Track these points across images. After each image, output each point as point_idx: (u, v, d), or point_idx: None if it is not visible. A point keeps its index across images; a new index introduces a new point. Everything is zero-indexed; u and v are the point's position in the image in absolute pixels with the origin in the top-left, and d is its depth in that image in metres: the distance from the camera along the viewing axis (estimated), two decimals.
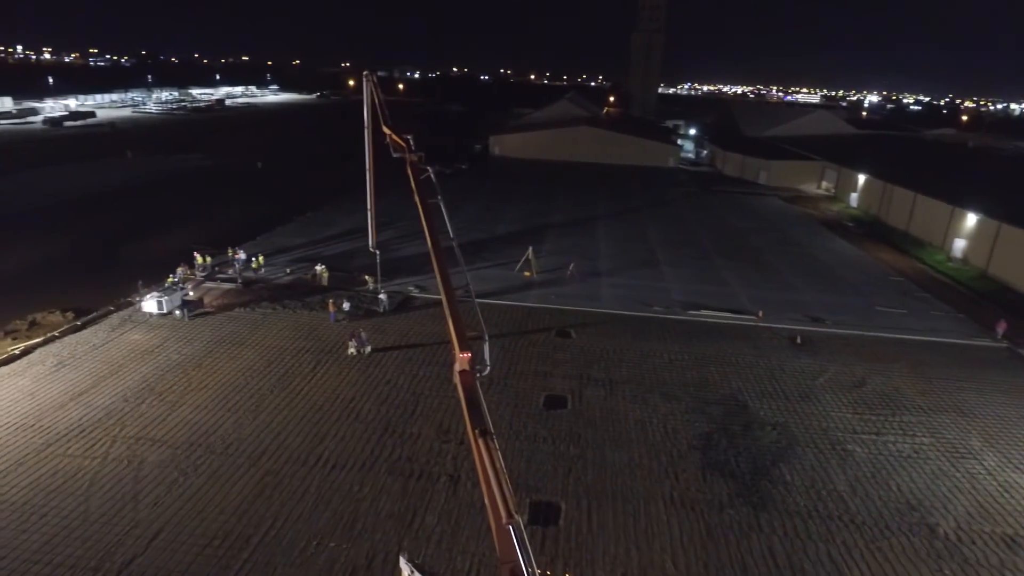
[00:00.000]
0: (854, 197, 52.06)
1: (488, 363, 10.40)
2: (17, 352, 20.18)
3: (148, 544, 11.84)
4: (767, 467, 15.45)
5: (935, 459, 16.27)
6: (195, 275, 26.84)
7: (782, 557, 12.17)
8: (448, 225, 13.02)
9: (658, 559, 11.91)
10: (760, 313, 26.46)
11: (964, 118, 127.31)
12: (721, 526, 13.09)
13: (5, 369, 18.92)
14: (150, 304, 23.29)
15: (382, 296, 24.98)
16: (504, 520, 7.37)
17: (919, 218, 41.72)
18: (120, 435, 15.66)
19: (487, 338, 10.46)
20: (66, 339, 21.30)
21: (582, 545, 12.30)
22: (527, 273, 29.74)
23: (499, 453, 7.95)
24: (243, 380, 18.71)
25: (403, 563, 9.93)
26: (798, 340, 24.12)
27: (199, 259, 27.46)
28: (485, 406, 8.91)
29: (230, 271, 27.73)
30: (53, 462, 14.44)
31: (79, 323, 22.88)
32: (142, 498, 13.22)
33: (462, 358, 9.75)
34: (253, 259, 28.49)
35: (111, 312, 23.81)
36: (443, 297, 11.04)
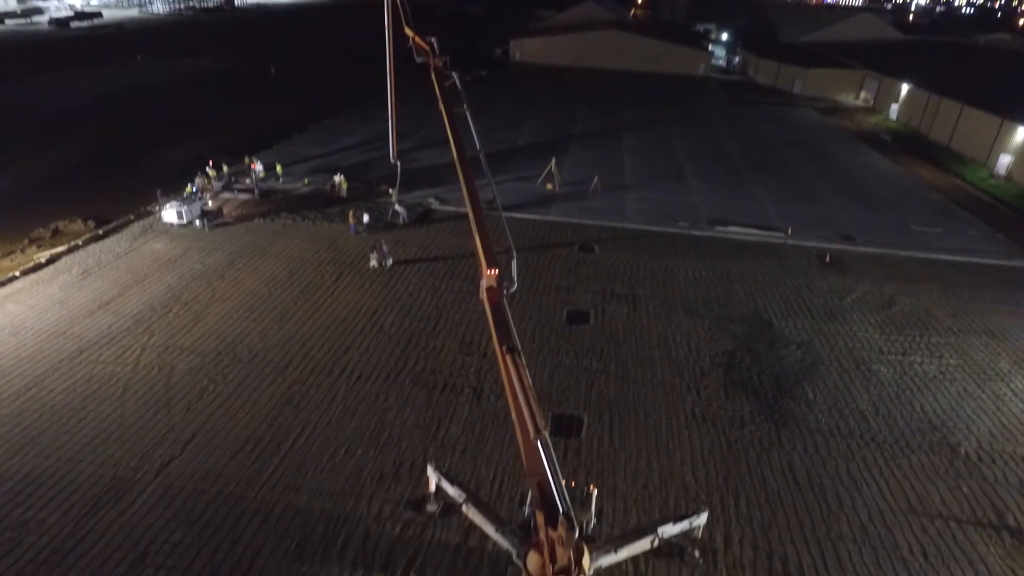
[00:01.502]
0: (894, 109, 49.46)
1: (516, 279, 10.25)
2: (43, 260, 20.46)
3: (184, 447, 12.36)
4: (790, 385, 15.51)
5: (961, 380, 16.20)
6: (212, 185, 26.64)
7: (801, 472, 12.40)
8: (474, 135, 12.50)
9: (678, 472, 12.20)
10: (789, 230, 25.84)
11: (1022, 22, 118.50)
12: (742, 441, 13.31)
13: (32, 277, 19.27)
14: (170, 214, 23.28)
15: (400, 208, 24.69)
16: (532, 436, 7.46)
17: (963, 132, 39.68)
18: (149, 343, 16.05)
19: (515, 254, 10.23)
20: (89, 248, 21.52)
21: (604, 457, 12.62)
22: (549, 186, 29.10)
23: (527, 370, 7.93)
24: (266, 291, 18.90)
25: (430, 471, 10.25)
26: (827, 259, 23.64)
27: (211, 172, 27.11)
28: (512, 323, 8.83)
29: (247, 181, 27.48)
30: (87, 368, 14.91)
31: (101, 232, 23.03)
32: (175, 404, 13.69)
33: (489, 275, 9.59)
34: (273, 168, 28.13)
35: (131, 221, 23.89)
36: (470, 211, 10.75)
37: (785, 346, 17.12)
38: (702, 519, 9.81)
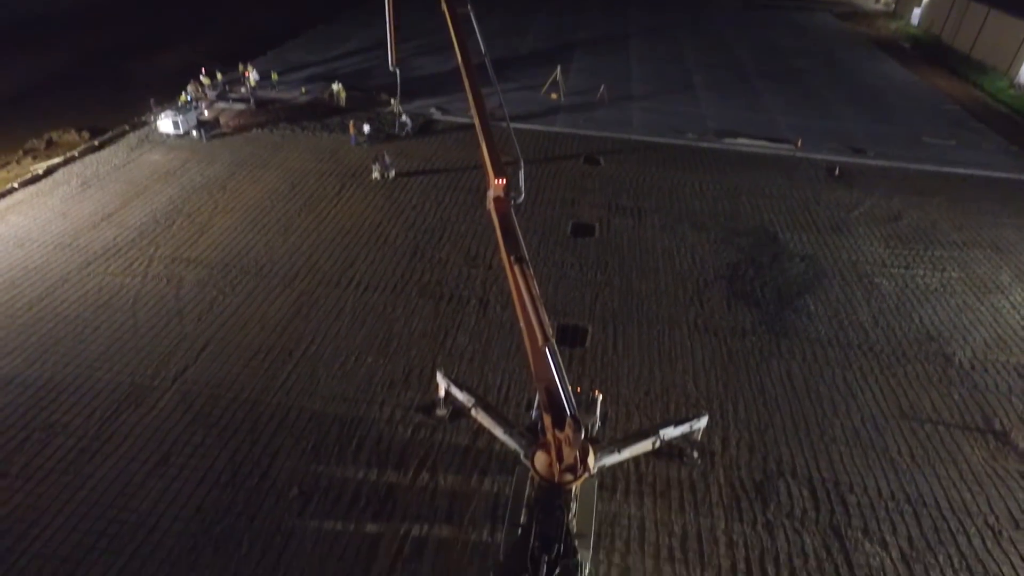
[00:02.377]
0: (916, 13, 46.96)
1: (523, 190, 10.11)
2: (40, 172, 20.14)
3: (197, 356, 12.67)
4: (792, 298, 15.69)
5: (962, 293, 16.36)
6: (206, 94, 25.79)
7: (799, 380, 12.77)
8: (480, 40, 11.95)
9: (680, 380, 12.56)
10: (799, 142, 25.26)
11: None
12: (742, 351, 13.62)
13: (32, 189, 19.05)
14: (166, 124, 22.68)
15: (405, 119, 24.03)
16: (540, 343, 7.62)
17: (986, 39, 37.89)
18: (156, 255, 16.10)
19: (522, 164, 10.05)
20: (86, 159, 21.12)
21: (608, 365, 12.95)
22: (554, 96, 28.18)
23: (534, 279, 7.98)
24: (269, 203, 18.75)
25: (440, 377, 10.55)
26: (836, 171, 23.24)
27: (205, 80, 26.13)
28: (519, 233, 8.80)
29: (242, 90, 26.59)
30: (96, 279, 15.04)
31: (96, 143, 22.50)
32: (186, 314, 13.91)
33: (497, 184, 9.46)
34: (268, 76, 27.15)
35: (126, 132, 23.30)
36: (476, 120, 10.46)
37: (789, 259, 17.17)
38: (702, 423, 10.19)
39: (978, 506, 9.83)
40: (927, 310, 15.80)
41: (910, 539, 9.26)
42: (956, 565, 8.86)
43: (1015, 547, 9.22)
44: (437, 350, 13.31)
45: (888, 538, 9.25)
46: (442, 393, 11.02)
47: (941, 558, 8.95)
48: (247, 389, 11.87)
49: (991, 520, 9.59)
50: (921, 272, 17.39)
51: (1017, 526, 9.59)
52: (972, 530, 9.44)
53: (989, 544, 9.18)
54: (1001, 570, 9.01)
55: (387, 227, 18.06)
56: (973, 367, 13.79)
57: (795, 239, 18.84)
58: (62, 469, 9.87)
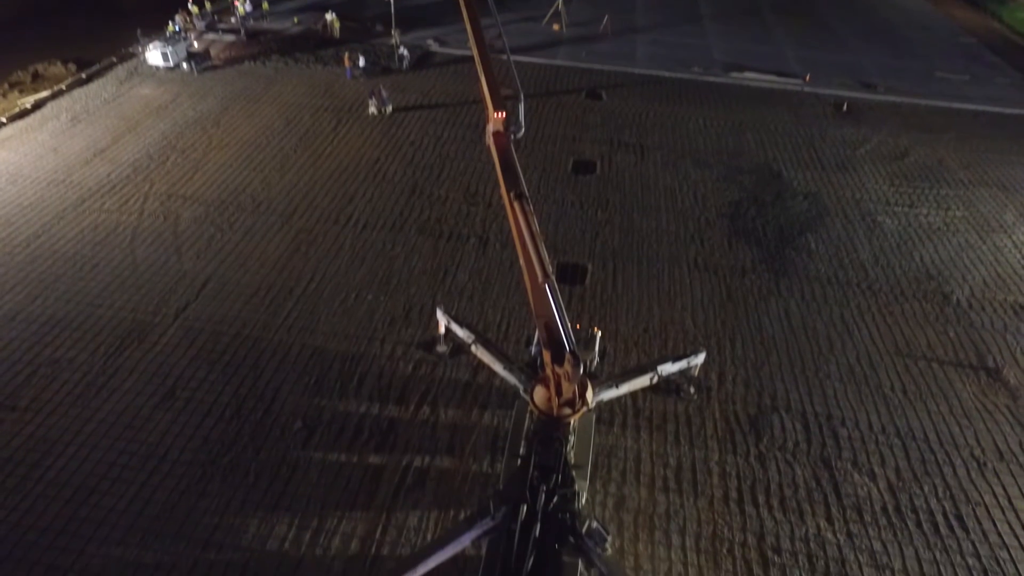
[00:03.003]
0: None
1: (523, 124, 9.87)
2: (28, 106, 19.66)
3: (198, 293, 12.71)
4: (793, 236, 15.61)
5: (964, 232, 16.27)
6: (195, 24, 24.85)
7: (797, 318, 12.86)
8: None
9: (679, 317, 12.65)
10: (807, 76, 24.57)
11: None
12: (741, 289, 13.66)
13: (20, 124, 18.64)
14: (155, 56, 21.98)
15: (403, 51, 23.25)
16: (540, 280, 7.61)
17: None
18: (151, 192, 15.91)
19: (522, 97, 9.77)
20: (74, 93, 20.59)
21: (607, 303, 13.02)
22: (556, 27, 27.23)
23: (534, 216, 7.90)
24: (264, 139, 18.38)
25: (440, 314, 10.62)
26: (844, 107, 22.68)
27: (194, 9, 25.11)
28: (519, 169, 8.65)
29: (231, 20, 25.61)
30: (92, 216, 14.91)
31: (84, 76, 21.89)
32: (184, 251, 13.87)
33: (496, 118, 9.24)
34: (259, 6, 26.10)
35: (114, 64, 22.63)
36: (475, 52, 10.11)
37: (792, 197, 16.99)
38: (699, 359, 10.33)
39: (965, 439, 10.09)
40: (928, 249, 15.75)
41: (897, 470, 9.54)
42: (940, 495, 9.16)
43: (998, 477, 9.52)
44: (437, 287, 13.34)
45: (877, 469, 9.54)
46: (442, 330, 11.12)
47: (926, 488, 9.25)
48: (249, 326, 11.97)
49: (977, 452, 9.87)
50: (925, 211, 17.24)
51: (1001, 458, 9.88)
52: (958, 461, 9.73)
53: (973, 475, 9.48)
54: (983, 499, 9.33)
55: (385, 164, 17.77)
56: (970, 305, 13.87)
57: (799, 177, 18.58)
58: (70, 403, 10.07)
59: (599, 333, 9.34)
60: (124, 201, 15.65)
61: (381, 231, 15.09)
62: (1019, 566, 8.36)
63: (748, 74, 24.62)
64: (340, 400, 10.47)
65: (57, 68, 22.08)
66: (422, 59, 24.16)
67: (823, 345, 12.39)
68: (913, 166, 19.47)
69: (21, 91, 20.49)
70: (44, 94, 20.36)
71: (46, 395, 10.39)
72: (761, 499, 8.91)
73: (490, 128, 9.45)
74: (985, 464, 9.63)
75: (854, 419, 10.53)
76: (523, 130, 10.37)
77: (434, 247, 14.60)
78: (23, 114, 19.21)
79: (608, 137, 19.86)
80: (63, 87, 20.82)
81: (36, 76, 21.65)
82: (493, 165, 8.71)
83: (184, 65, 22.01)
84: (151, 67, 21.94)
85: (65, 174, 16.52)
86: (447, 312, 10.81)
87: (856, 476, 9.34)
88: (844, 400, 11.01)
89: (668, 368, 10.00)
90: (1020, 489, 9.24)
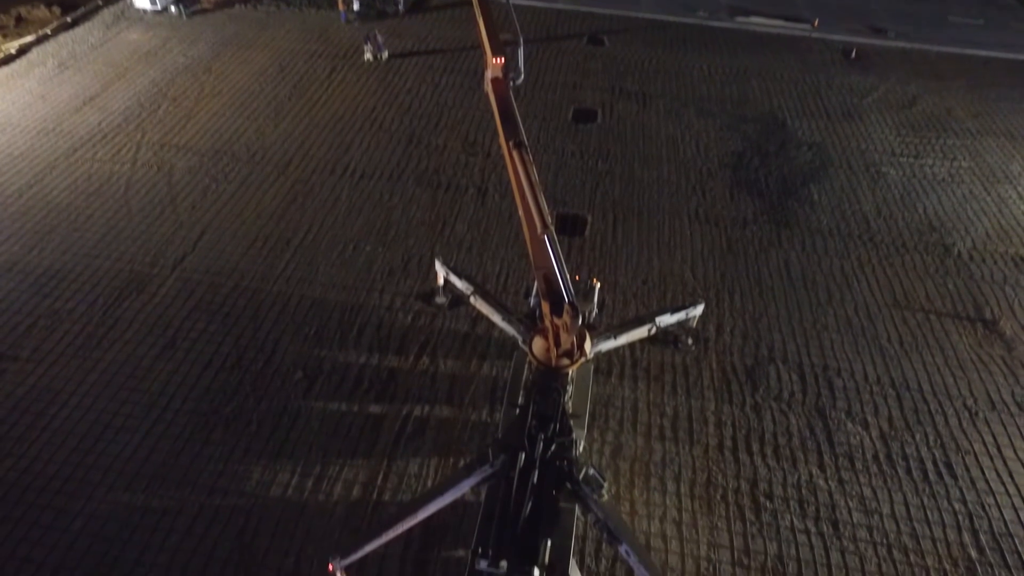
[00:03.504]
0: None
1: (522, 71, 9.59)
2: (13, 52, 19.11)
3: (195, 244, 12.64)
4: (796, 187, 15.44)
5: (969, 183, 16.09)
6: None
7: (796, 270, 12.84)
8: None
9: (678, 269, 12.63)
10: (816, 22, 23.82)
11: None
12: (742, 241, 13.59)
13: (6, 70, 18.16)
14: None
15: None
16: (539, 231, 7.52)
17: None
18: (143, 141, 15.64)
19: (521, 42, 9.46)
20: (60, 38, 19.98)
21: (607, 254, 12.97)
22: None
23: (533, 166, 7.77)
24: (257, 86, 17.96)
25: (438, 265, 10.58)
26: (853, 54, 22.06)
27: None
28: (519, 117, 8.45)
29: None
30: (84, 166, 14.69)
31: (69, 20, 21.19)
32: (179, 202, 13.73)
33: (495, 64, 8.96)
34: None
35: (100, 7, 21.88)
36: None
37: (796, 147, 16.73)
38: (698, 310, 10.35)
39: (959, 389, 10.21)
40: (932, 200, 15.61)
41: (890, 419, 9.69)
42: (931, 443, 9.33)
43: (989, 426, 9.68)
44: (435, 239, 13.27)
45: (870, 419, 9.68)
46: (441, 281, 11.10)
47: (918, 437, 9.41)
48: (247, 277, 11.96)
49: (969, 402, 10.00)
50: (930, 161, 17.01)
51: (993, 407, 10.02)
52: (950, 411, 9.87)
53: (965, 424, 9.63)
54: (973, 447, 9.51)
55: (381, 112, 17.42)
56: (971, 257, 13.83)
57: (804, 126, 18.25)
58: (71, 353, 10.14)
59: (598, 284, 9.30)
60: (116, 151, 15.40)
61: (378, 181, 14.91)
62: (1004, 511, 8.61)
63: (755, 19, 23.87)
64: (340, 350, 10.54)
65: (41, 11, 21.40)
66: (418, 2, 23.38)
67: (822, 297, 12.42)
68: (920, 115, 19.11)
69: (5, 35, 19.91)
70: (29, 39, 19.78)
71: (47, 345, 10.45)
72: (755, 447, 9.08)
73: (488, 75, 9.19)
74: (977, 413, 9.78)
75: (850, 370, 10.63)
76: (522, 77, 10.10)
77: (432, 197, 14.45)
78: (8, 60, 18.71)
79: (610, 84, 19.42)
80: (48, 32, 20.21)
81: (19, 20, 20.99)
82: (492, 113, 8.51)
83: (172, 8, 21.28)
84: (138, 10, 21.26)
85: (55, 123, 16.21)
86: (446, 263, 10.77)
87: (849, 425, 9.49)
88: (841, 351, 11.10)
89: (667, 319, 10.02)
90: (1009, 438, 9.41)
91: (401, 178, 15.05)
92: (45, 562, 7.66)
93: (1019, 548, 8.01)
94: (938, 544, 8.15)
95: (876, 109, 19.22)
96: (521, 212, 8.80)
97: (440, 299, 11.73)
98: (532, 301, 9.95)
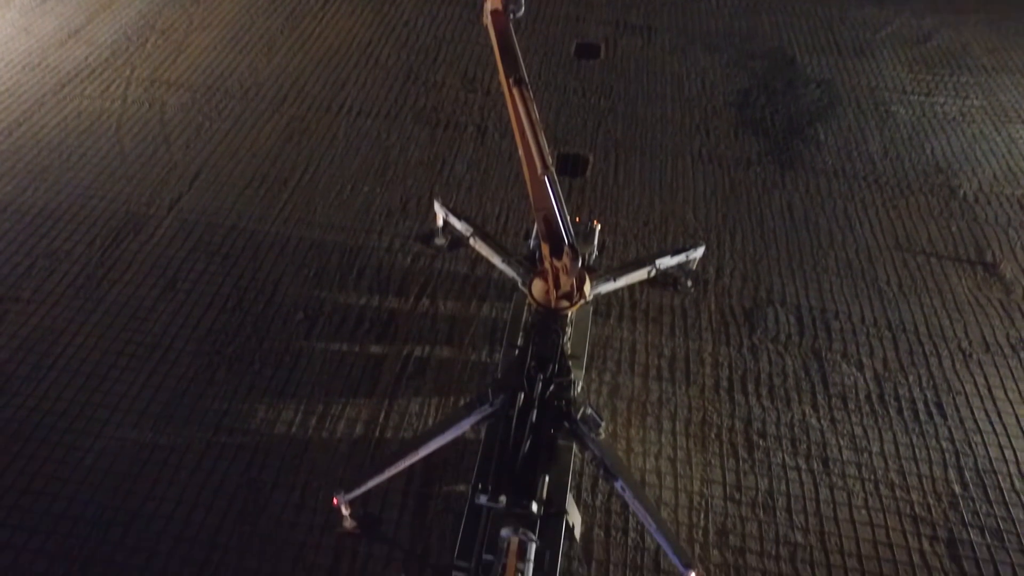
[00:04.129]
0: None
1: (523, 2, 9.22)
2: None
3: (190, 184, 12.43)
4: (802, 126, 15.06)
5: (980, 122, 15.66)
6: None
7: (799, 212, 12.71)
8: None
9: (680, 210, 12.50)
10: None
11: None
12: (745, 182, 13.38)
13: None
14: None
15: None
16: (539, 171, 7.34)
17: None
18: (133, 77, 15.12)
19: None
20: None
21: (608, 195, 12.80)
22: None
23: (534, 104, 7.58)
24: (248, 19, 17.22)
25: (437, 206, 10.48)
26: None
27: None
28: (519, 52, 8.20)
29: None
30: (73, 103, 14.27)
31: None
32: (173, 141, 13.41)
33: None
34: None
35: None
36: None
37: (804, 85, 16.22)
38: (698, 252, 10.31)
39: (954, 331, 10.32)
40: (941, 140, 15.24)
41: (885, 361, 9.85)
42: (924, 384, 9.53)
43: (981, 368, 9.85)
44: (434, 179, 13.05)
45: (865, 360, 9.84)
46: (440, 222, 10.98)
47: (911, 378, 9.60)
48: (244, 218, 11.82)
49: (964, 344, 10.13)
50: (942, 100, 16.50)
51: (987, 349, 10.17)
52: (944, 353, 10.01)
53: (958, 366, 9.80)
54: (964, 388, 9.75)
55: (377, 46, 16.77)
56: (977, 199, 13.64)
57: (813, 62, 17.60)
58: (72, 294, 10.16)
59: (599, 226, 9.20)
60: (105, 87, 14.91)
61: (375, 119, 14.51)
62: (989, 449, 8.90)
63: None
64: (340, 292, 10.54)
65: None
66: None
67: (823, 239, 12.32)
68: (935, 51, 18.40)
69: None
70: None
71: (47, 286, 10.45)
72: (751, 388, 9.27)
73: (487, 7, 8.81)
74: (970, 355, 9.91)
75: (847, 312, 10.69)
76: (523, 9, 9.69)
77: (431, 136, 14.11)
78: None
79: (614, 18, 18.61)
80: None
81: None
82: (491, 48, 8.25)
83: None
84: None
85: (40, 57, 15.62)
86: (445, 204, 10.62)
87: (844, 366, 9.64)
88: (839, 294, 11.11)
89: (667, 261, 9.97)
90: (1001, 379, 9.59)
91: (399, 116, 14.65)
92: (60, 494, 8.01)
93: (1001, 483, 8.35)
94: (924, 480, 8.49)
95: (889, 44, 18.50)
96: (521, 152, 8.61)
97: (439, 240, 11.62)
98: (532, 243, 9.87)
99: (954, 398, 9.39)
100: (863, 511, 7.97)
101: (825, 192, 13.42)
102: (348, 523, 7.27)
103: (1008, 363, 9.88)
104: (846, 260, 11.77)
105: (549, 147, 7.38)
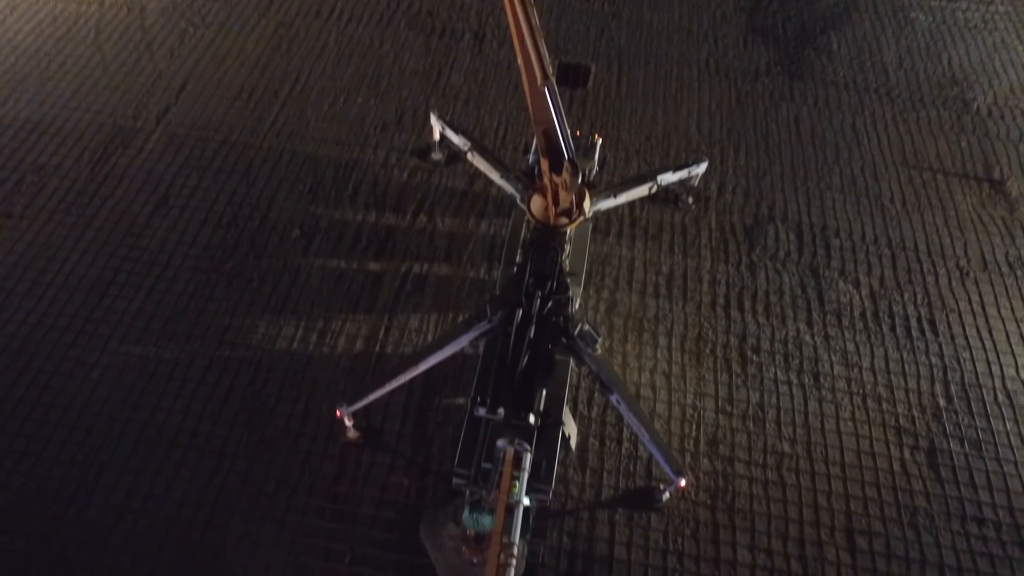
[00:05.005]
0: None
1: None
2: None
3: (177, 95, 12.04)
4: (815, 34, 14.42)
5: (1003, 30, 15.00)
6: None
7: (806, 126, 12.40)
8: None
9: (684, 124, 12.19)
10: None
11: None
12: (752, 94, 12.97)
13: None
14: None
15: None
16: (539, 82, 7.10)
17: None
18: None
19: None
20: None
21: (610, 108, 12.44)
22: None
23: (534, 9, 7.20)
24: None
25: (434, 120, 10.20)
26: None
27: None
28: None
29: None
30: (47, 7, 13.55)
31: None
32: (156, 49, 12.86)
33: None
34: None
35: None
36: None
37: None
38: (701, 168, 10.15)
39: (954, 250, 10.34)
40: (959, 50, 14.66)
41: (882, 279, 9.92)
42: (919, 302, 9.63)
43: (977, 286, 9.95)
44: (430, 90, 12.64)
45: (862, 278, 9.91)
46: (437, 136, 10.75)
47: (906, 296, 9.69)
48: (235, 131, 11.54)
49: (962, 263, 10.17)
50: (964, 5, 15.72)
51: (985, 267, 10.21)
52: (942, 271, 10.07)
53: (954, 284, 9.88)
54: (958, 306, 9.85)
55: None
56: (990, 113, 13.29)
57: None
58: (64, 210, 10.07)
59: (600, 141, 9.03)
60: None
61: (367, 25, 13.86)
62: (977, 364, 9.12)
63: None
64: (336, 208, 10.46)
65: None
66: None
67: (829, 155, 12.10)
68: None
69: None
70: None
71: (39, 202, 10.34)
72: (747, 305, 9.38)
73: None
74: (968, 273, 9.98)
75: (848, 230, 10.67)
76: None
77: (426, 44, 13.53)
78: None
79: None
80: None
81: None
82: None
83: None
84: None
85: None
86: (441, 117, 10.35)
87: (841, 284, 9.73)
88: (842, 211, 11.05)
89: (668, 178, 9.84)
90: (995, 296, 9.70)
91: (392, 22, 13.99)
92: (71, 405, 8.22)
93: (984, 397, 8.59)
94: (910, 394, 8.72)
95: None
96: (520, 61, 8.29)
97: (436, 155, 11.42)
98: (531, 158, 9.72)
99: (947, 315, 9.55)
100: (849, 423, 8.30)
101: (834, 105, 13.03)
102: (351, 434, 7.56)
103: (1004, 281, 9.97)
104: (851, 176, 11.60)
105: (549, 56, 7.09)
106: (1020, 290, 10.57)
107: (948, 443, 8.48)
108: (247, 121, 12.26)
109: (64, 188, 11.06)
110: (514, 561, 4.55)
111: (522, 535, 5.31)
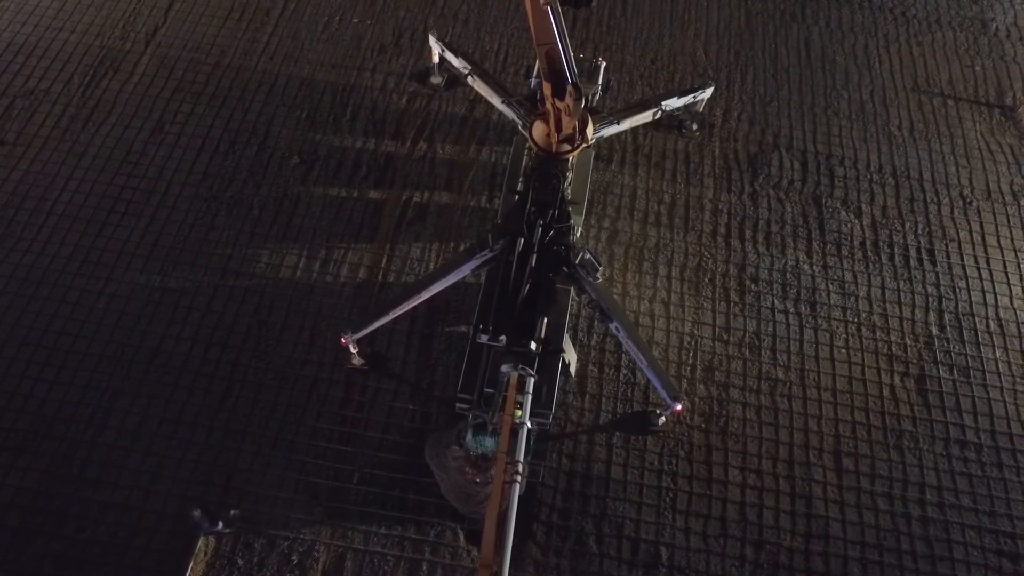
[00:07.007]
0: None
1: None
2: None
3: (165, 15, 11.58)
4: None
5: None
6: None
7: (816, 49, 11.96)
8: None
9: (690, 46, 11.75)
10: None
11: None
12: (762, 14, 12.45)
13: None
14: None
15: None
16: (541, 1, 6.80)
17: None
18: None
19: None
20: None
21: (614, 29, 11.97)
22: None
23: None
24: None
25: (433, 42, 9.79)
26: None
27: None
28: None
29: None
30: None
31: None
32: None
33: None
34: None
35: None
36: None
37: None
38: (706, 94, 9.86)
39: (959, 179, 10.19)
40: None
41: (884, 208, 9.82)
42: (919, 231, 9.57)
43: (979, 215, 9.87)
44: (428, 9, 12.12)
45: (864, 207, 9.81)
46: (436, 59, 10.38)
47: (908, 225, 9.63)
48: (228, 54, 11.15)
49: (966, 192, 10.04)
50: None
51: (988, 196, 10.09)
52: (945, 200, 9.96)
53: (956, 213, 9.79)
54: (958, 235, 9.80)
55: None
56: (1008, 34, 12.80)
57: None
58: (58, 137, 9.86)
59: (604, 64, 8.71)
60: None
61: None
62: (972, 293, 9.17)
63: None
64: (334, 135, 10.24)
65: None
66: None
67: (838, 79, 11.74)
68: None
69: None
70: None
71: (31, 128, 10.12)
72: (748, 234, 9.33)
73: None
74: (970, 202, 9.88)
75: (853, 158, 10.49)
76: None
77: None
78: None
79: None
80: None
81: None
82: None
83: None
84: None
85: None
86: (440, 39, 9.96)
87: (843, 213, 9.64)
88: (848, 139, 10.83)
89: (673, 103, 9.59)
90: (996, 226, 9.65)
91: None
92: (81, 334, 8.31)
93: (977, 326, 8.67)
94: (904, 323, 8.79)
95: None
96: None
97: (436, 79, 11.10)
98: (533, 82, 9.44)
99: (947, 244, 9.52)
100: (843, 351, 8.43)
101: (847, 26, 12.47)
102: (357, 360, 7.68)
103: (1007, 210, 9.86)
104: (859, 102, 11.26)
105: None
106: (1022, 219, 10.51)
107: (938, 370, 8.65)
108: (240, 43, 11.81)
109: (56, 114, 10.78)
110: (519, 478, 4.74)
111: (524, 455, 5.51)
